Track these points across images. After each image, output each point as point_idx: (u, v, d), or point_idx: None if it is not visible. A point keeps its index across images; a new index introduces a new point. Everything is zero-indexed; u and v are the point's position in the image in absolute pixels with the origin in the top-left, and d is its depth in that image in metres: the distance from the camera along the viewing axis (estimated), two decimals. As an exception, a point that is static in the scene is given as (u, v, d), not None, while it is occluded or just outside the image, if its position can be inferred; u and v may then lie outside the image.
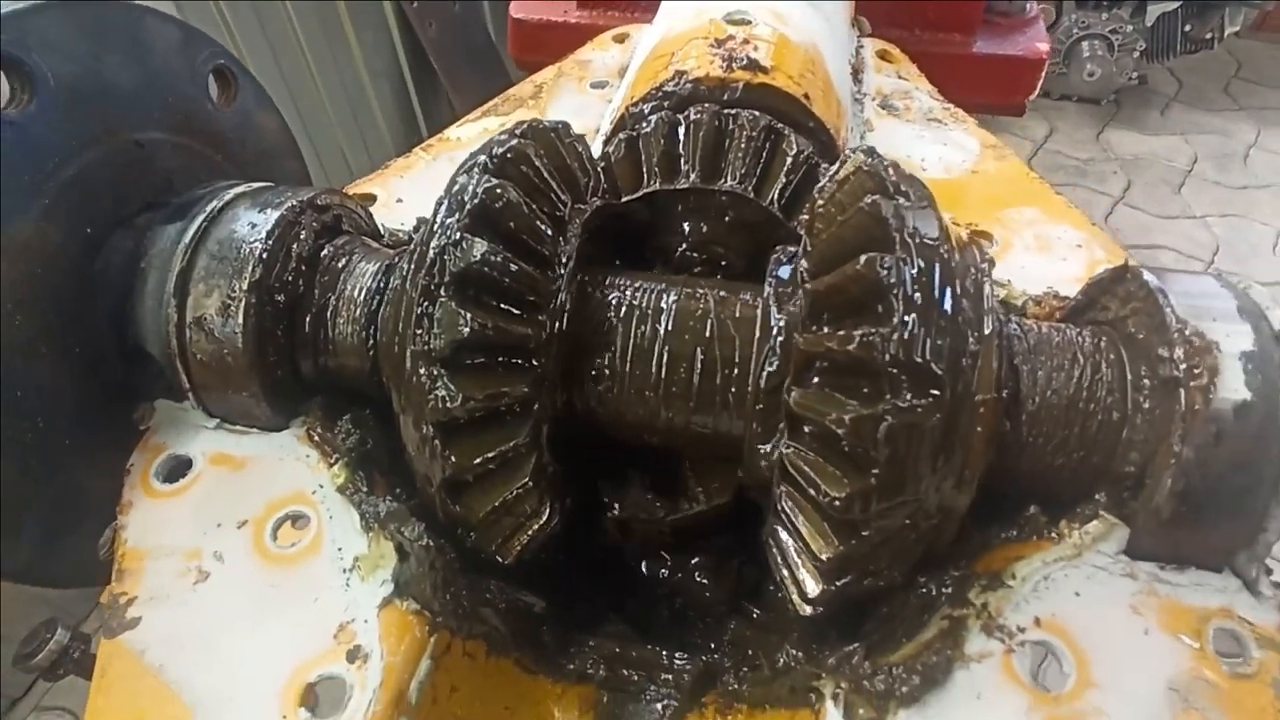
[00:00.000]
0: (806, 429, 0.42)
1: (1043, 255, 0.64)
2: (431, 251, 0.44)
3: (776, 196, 0.57)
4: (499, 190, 0.45)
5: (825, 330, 0.42)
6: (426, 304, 0.43)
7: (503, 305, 0.45)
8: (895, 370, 0.39)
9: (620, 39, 0.92)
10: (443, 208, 0.46)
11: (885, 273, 0.40)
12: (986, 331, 0.43)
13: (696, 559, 0.61)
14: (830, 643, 0.47)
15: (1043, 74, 1.33)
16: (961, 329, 0.41)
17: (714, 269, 0.59)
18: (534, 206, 0.46)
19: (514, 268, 0.44)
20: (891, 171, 0.45)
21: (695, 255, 0.59)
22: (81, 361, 0.55)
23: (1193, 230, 4.40)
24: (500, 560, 0.51)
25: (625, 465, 0.59)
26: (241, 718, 0.42)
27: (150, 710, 0.43)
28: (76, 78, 0.54)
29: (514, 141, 0.47)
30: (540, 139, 0.49)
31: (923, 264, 0.40)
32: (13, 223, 0.50)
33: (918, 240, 0.41)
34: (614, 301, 0.52)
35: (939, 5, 1.29)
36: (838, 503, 0.40)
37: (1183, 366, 0.43)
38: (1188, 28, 4.74)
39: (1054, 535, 0.47)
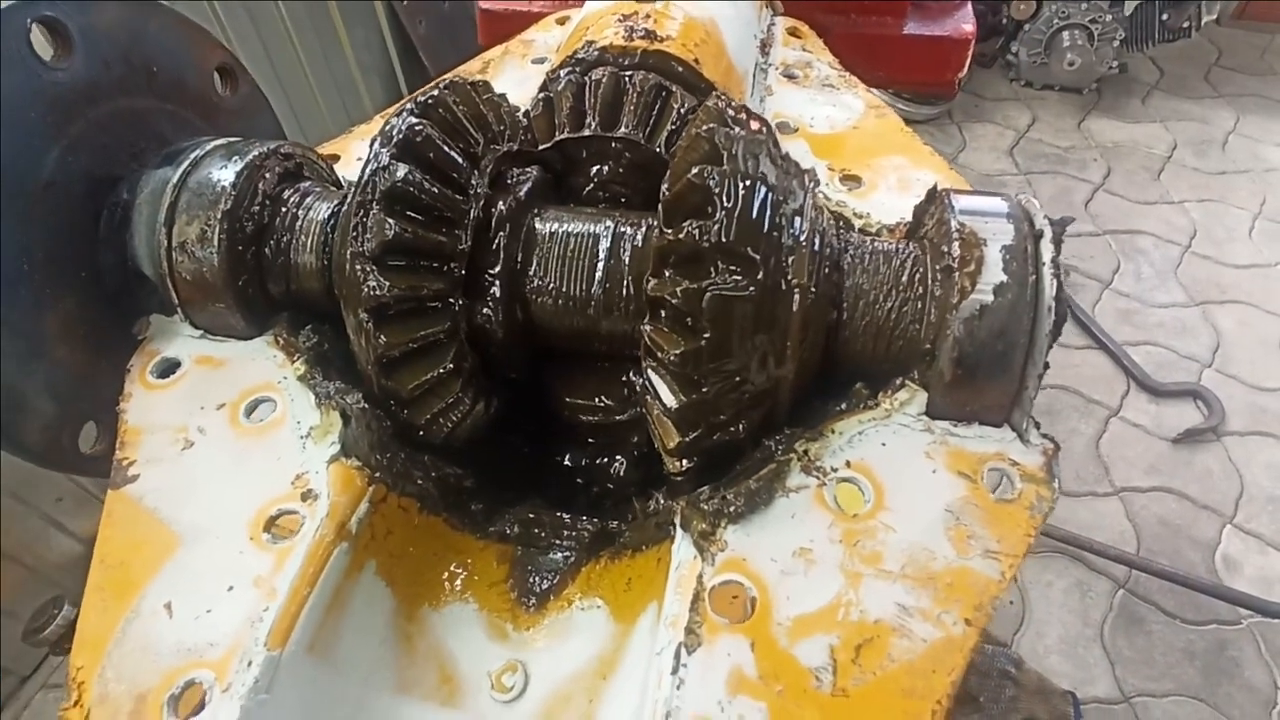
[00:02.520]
0: (661, 310, 0.54)
1: (902, 194, 0.75)
2: (365, 174, 0.56)
3: (664, 142, 0.69)
4: (419, 126, 0.56)
5: (670, 231, 0.53)
6: (361, 214, 0.55)
7: (421, 217, 0.56)
8: (717, 254, 0.50)
9: (562, 21, 1.04)
10: (376, 142, 0.58)
11: (711, 180, 0.51)
12: (802, 236, 0.54)
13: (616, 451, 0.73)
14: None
15: (970, 53, 1.43)
16: (778, 227, 0.53)
17: (615, 204, 0.71)
18: (449, 141, 0.58)
19: (431, 188, 0.56)
20: (731, 109, 0.56)
21: (600, 194, 0.71)
22: (97, 285, 0.67)
23: (1171, 215, 4.47)
24: (430, 439, 0.62)
25: (577, 375, 0.70)
26: (218, 541, 0.54)
27: (146, 539, 0.55)
28: (105, 48, 0.67)
29: (436, 91, 0.59)
30: (458, 91, 0.61)
31: (745, 173, 0.52)
32: (44, 156, 0.62)
33: (743, 156, 0.53)
34: (554, 229, 0.63)
35: (872, -10, 1.40)
36: (675, 358, 0.51)
37: (957, 257, 0.54)
38: (1165, 16, 4.80)
39: (872, 404, 0.58)
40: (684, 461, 0.57)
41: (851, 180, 0.76)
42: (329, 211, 0.67)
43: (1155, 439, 3.32)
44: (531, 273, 0.62)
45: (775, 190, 0.53)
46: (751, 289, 0.51)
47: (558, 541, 0.65)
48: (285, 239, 0.67)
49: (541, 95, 0.72)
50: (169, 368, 0.65)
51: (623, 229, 0.62)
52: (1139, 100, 5.06)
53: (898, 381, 0.58)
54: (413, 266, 0.56)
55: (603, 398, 0.68)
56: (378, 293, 0.54)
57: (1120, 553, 2.89)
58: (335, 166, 0.81)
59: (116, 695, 0.47)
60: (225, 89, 0.82)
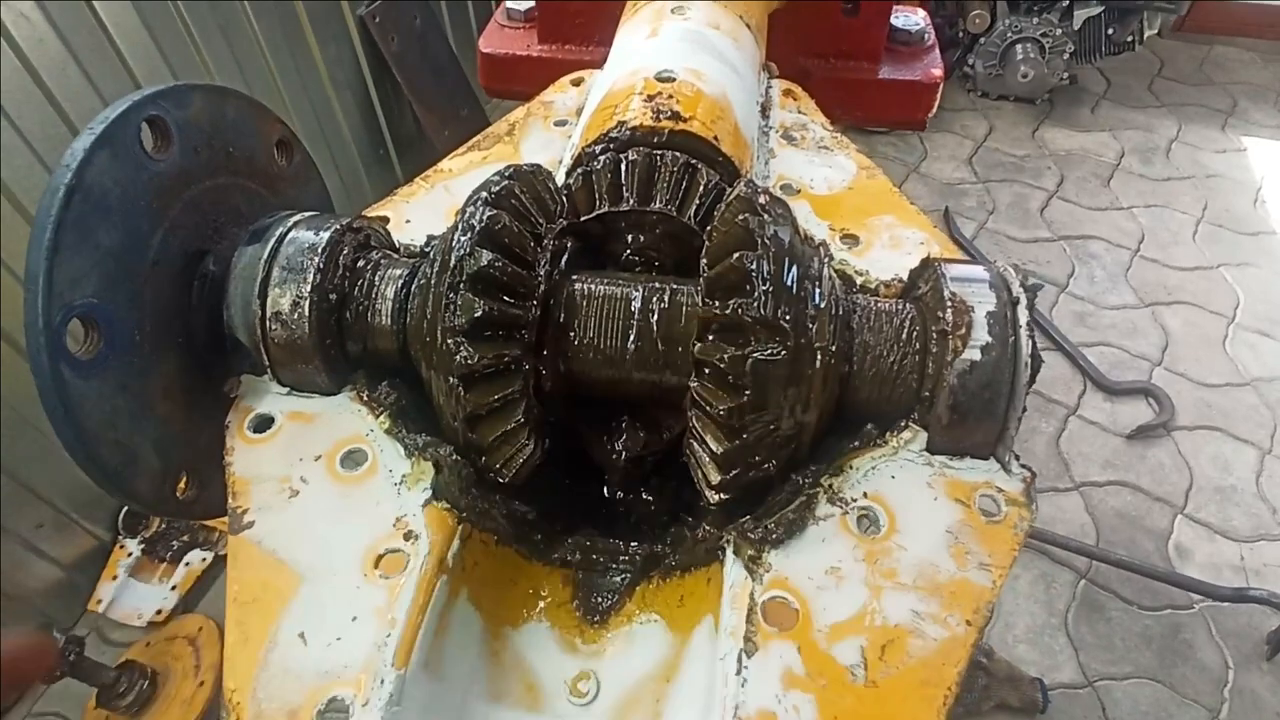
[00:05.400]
0: (706, 370, 0.64)
1: (895, 251, 0.86)
2: (453, 259, 0.65)
3: (693, 214, 0.79)
4: (496, 216, 0.66)
5: (714, 303, 0.64)
6: (451, 294, 0.64)
7: (502, 295, 0.66)
8: (756, 326, 0.61)
9: (577, 82, 1.13)
10: (458, 230, 0.67)
11: (749, 264, 0.62)
12: (821, 304, 0.65)
13: (645, 485, 0.84)
14: (733, 519, 0.69)
15: (938, 95, 1.57)
16: (803, 299, 0.64)
17: (650, 268, 0.81)
18: (520, 227, 0.68)
19: (509, 270, 0.66)
20: (762, 196, 0.67)
21: (636, 259, 0.81)
22: (189, 347, 0.75)
23: (1121, 221, 4.70)
24: (500, 479, 0.72)
25: (610, 422, 0.80)
26: (336, 578, 0.63)
27: (271, 579, 0.63)
28: (194, 137, 0.75)
29: (505, 182, 0.69)
30: (522, 179, 0.71)
31: (774, 256, 0.63)
32: (151, 239, 0.70)
33: (774, 242, 0.63)
34: (592, 292, 0.73)
35: (849, 37, 1.52)
36: (722, 412, 0.62)
37: (950, 323, 0.66)
38: (1110, 31, 5.04)
39: (881, 442, 0.70)
40: (722, 495, 0.68)
41: (850, 239, 0.87)
42: (401, 280, 0.76)
43: (1111, 435, 3.51)
44: (573, 332, 0.72)
45: (800, 266, 0.64)
46: (784, 353, 0.62)
47: (614, 565, 0.75)
48: (363, 305, 0.76)
49: (580, 171, 0.82)
50: (264, 423, 0.74)
51: (651, 293, 0.73)
52: (1088, 110, 5.31)
53: (901, 423, 0.70)
54: (494, 337, 0.66)
55: (629, 440, 0.78)
56: (469, 362, 0.64)
57: (1081, 545, 3.07)
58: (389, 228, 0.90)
59: (270, 712, 0.56)
60: (282, 159, 0.90)
